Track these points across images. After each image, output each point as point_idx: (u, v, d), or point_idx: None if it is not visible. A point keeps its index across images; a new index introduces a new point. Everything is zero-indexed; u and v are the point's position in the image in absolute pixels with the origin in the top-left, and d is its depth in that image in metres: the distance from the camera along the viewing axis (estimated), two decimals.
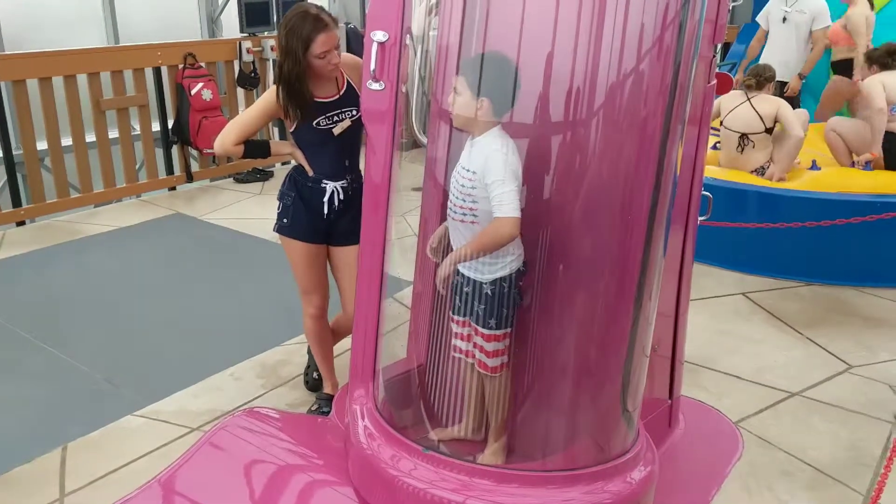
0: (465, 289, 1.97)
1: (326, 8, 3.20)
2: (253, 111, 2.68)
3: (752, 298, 4.15)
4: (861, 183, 4.44)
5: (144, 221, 5.39)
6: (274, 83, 2.63)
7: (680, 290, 2.47)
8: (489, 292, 1.94)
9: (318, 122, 2.64)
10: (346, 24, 7.24)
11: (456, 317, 2.05)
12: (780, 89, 5.80)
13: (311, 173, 2.71)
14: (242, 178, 6.50)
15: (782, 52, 5.84)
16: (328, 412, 2.90)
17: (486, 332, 1.97)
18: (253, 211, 5.67)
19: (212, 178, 6.53)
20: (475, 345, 2.01)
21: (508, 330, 1.98)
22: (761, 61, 5.92)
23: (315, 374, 3.16)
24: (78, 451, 2.82)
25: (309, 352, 3.21)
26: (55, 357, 3.49)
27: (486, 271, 1.93)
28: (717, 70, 2.36)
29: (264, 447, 2.33)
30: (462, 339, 2.04)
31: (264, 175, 6.58)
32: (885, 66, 4.68)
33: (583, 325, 2.01)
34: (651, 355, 2.21)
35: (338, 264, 2.84)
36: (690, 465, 2.58)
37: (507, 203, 1.81)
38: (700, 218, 2.43)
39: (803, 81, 6.10)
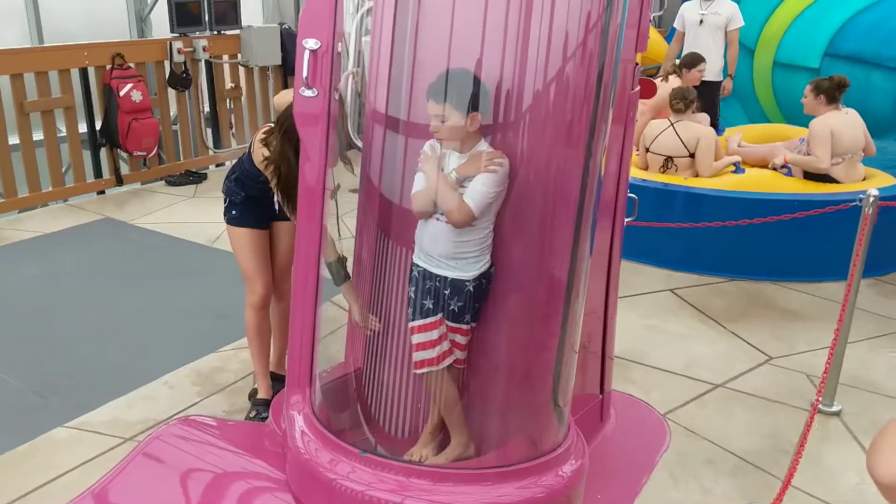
0: (443, 291, 1.99)
1: (261, 8, 3.20)
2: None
3: (680, 294, 4.30)
4: (780, 184, 4.66)
5: (72, 227, 5.23)
6: (273, 182, 2.58)
7: (609, 287, 2.54)
8: (471, 289, 1.98)
9: None
10: (281, 24, 7.17)
11: (421, 321, 2.01)
12: (710, 90, 6.03)
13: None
14: (175, 181, 6.36)
15: (703, 54, 6.10)
16: (267, 418, 2.89)
17: (464, 327, 2.01)
18: (186, 214, 5.56)
19: (143, 181, 6.39)
20: (452, 343, 2.02)
21: (475, 324, 2.03)
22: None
23: (264, 415, 3.03)
24: (6, 465, 2.72)
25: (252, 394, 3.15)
26: None
27: (471, 269, 1.97)
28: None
29: (201, 455, 2.30)
30: (430, 346, 2.01)
31: (198, 177, 6.45)
32: (831, 100, 4.64)
33: (513, 324, 2.05)
34: (581, 352, 2.27)
35: (275, 236, 2.91)
36: (621, 456, 2.66)
37: (479, 201, 1.89)
38: (626, 219, 2.51)
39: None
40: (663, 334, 3.83)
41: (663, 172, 4.83)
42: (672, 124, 4.79)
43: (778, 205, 4.34)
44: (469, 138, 1.91)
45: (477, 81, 1.87)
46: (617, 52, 1.97)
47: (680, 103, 4.78)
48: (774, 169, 4.88)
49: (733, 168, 4.93)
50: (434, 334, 2.01)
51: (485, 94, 1.88)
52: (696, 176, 4.80)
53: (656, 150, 4.85)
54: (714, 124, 5.69)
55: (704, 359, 3.59)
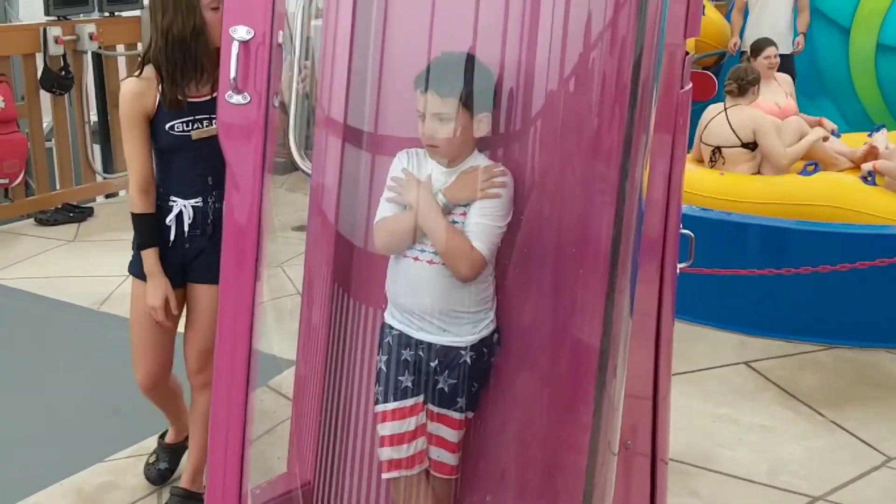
0: (429, 363, 2.00)
1: None
2: (133, 143, 2.75)
3: (758, 369, 4.30)
4: (856, 195, 4.86)
5: None
6: (140, 62, 2.73)
7: (658, 361, 2.55)
8: (468, 360, 1.99)
9: (173, 125, 2.73)
10: None
11: (393, 405, 2.03)
12: (787, 64, 6.61)
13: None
14: (49, 219, 6.37)
15: (773, 23, 6.52)
16: (166, 468, 3.23)
17: (457, 416, 2.02)
18: (64, 265, 5.56)
19: (3, 220, 6.38)
20: (437, 441, 2.03)
21: (470, 414, 2.04)
22: (747, 34, 6.89)
23: (162, 465, 3.26)
24: None
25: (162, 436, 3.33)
26: None
27: (470, 331, 1.98)
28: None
29: None
30: (402, 440, 2.03)
31: (80, 213, 6.47)
32: None
33: (525, 417, 2.05)
34: (622, 453, 2.27)
35: (193, 305, 2.94)
36: None
37: (489, 243, 1.92)
38: (680, 264, 2.54)
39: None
40: (737, 427, 3.82)
41: (712, 166, 5.39)
42: (725, 109, 5.36)
43: (894, 240, 4.37)
44: (463, 148, 1.95)
45: (484, 70, 1.90)
46: (659, 35, 2.02)
47: (734, 84, 5.30)
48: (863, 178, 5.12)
49: (802, 166, 5.24)
50: (410, 424, 2.02)
51: (489, 87, 1.91)
52: (759, 173, 5.24)
53: (706, 140, 5.45)
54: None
55: (796, 461, 3.58)
